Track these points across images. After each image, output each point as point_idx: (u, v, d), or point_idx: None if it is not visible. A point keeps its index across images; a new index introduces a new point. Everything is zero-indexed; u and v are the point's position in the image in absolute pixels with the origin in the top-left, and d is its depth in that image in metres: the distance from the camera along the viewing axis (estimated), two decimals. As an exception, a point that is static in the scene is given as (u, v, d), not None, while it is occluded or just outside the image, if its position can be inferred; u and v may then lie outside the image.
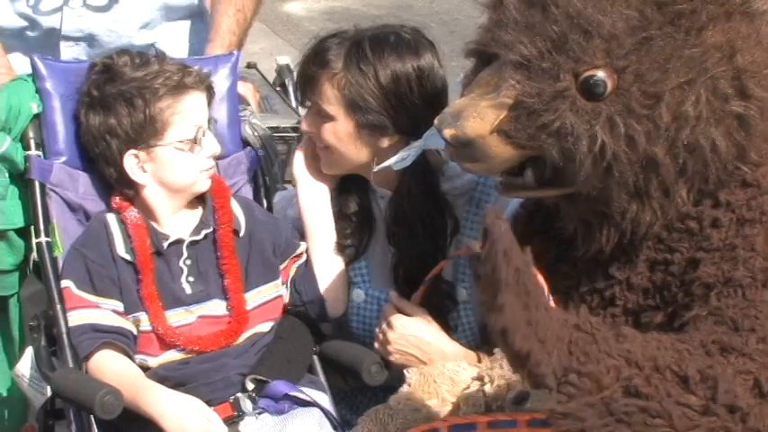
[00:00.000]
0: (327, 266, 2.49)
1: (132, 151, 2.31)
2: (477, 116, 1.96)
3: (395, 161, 2.30)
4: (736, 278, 1.96)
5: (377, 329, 2.36)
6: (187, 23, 2.94)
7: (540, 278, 2.02)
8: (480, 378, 2.08)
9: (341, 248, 2.49)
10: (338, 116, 2.37)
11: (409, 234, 2.41)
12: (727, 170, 1.99)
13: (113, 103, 2.31)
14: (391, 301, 2.37)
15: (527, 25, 1.93)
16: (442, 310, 2.41)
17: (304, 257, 2.49)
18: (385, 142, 2.35)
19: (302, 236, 2.51)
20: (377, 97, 2.32)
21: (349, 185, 2.52)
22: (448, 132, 1.97)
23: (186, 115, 2.34)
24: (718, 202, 2.03)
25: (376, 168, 2.36)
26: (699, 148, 1.94)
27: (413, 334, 2.31)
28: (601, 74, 1.90)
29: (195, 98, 2.36)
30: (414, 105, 2.33)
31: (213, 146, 2.37)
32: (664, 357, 1.82)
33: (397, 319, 2.33)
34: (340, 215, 2.50)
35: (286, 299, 2.45)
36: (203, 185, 2.38)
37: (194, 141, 2.34)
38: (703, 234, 2.03)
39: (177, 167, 2.34)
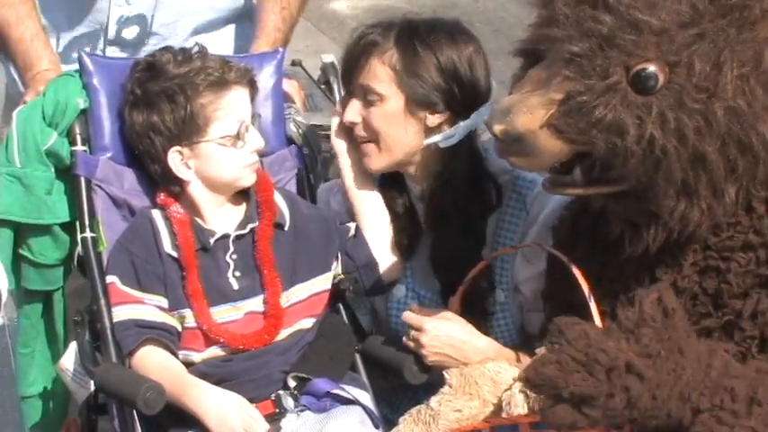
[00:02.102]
0: (379, 234, 2.49)
1: (176, 148, 2.32)
2: (528, 111, 1.96)
3: (442, 137, 2.31)
4: None
5: (404, 338, 2.35)
6: (232, 26, 2.94)
7: (580, 276, 2.09)
8: (522, 378, 2.06)
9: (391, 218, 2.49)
10: (388, 94, 2.38)
11: (446, 216, 2.40)
12: None
13: (156, 101, 2.33)
14: (411, 309, 2.38)
15: (577, 21, 1.93)
16: (480, 313, 2.40)
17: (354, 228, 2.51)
18: (434, 120, 2.34)
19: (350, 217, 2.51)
20: (428, 70, 2.32)
21: (391, 187, 2.51)
22: (498, 128, 1.98)
23: (228, 111, 2.35)
24: None
25: (425, 142, 2.35)
26: (751, 146, 1.93)
27: (445, 334, 2.31)
28: (652, 67, 1.90)
29: (237, 93, 2.37)
30: (462, 85, 2.33)
31: (257, 140, 2.37)
32: None
33: (427, 322, 2.33)
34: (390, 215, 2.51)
35: (338, 269, 2.46)
36: (248, 180, 2.38)
37: (237, 137, 2.35)
38: None
39: (221, 163, 2.35)
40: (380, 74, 2.38)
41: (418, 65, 2.33)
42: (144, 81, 2.36)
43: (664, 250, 2.05)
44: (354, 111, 2.44)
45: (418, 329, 2.32)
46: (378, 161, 2.46)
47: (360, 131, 2.43)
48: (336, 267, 2.46)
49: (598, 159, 1.97)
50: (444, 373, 2.22)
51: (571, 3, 1.95)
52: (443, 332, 2.30)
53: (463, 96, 2.34)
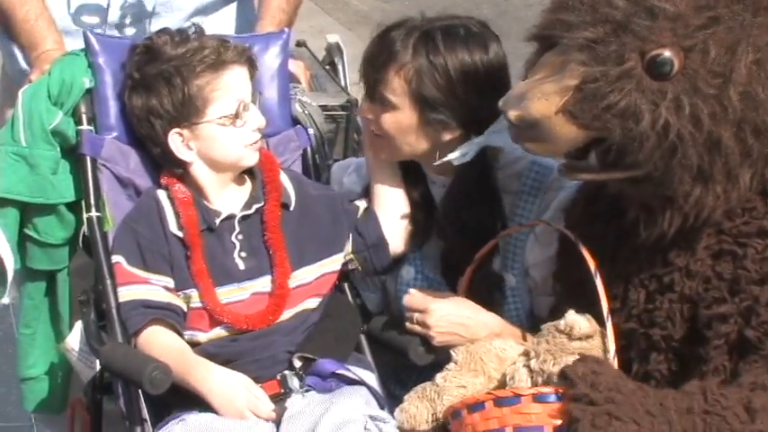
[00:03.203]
0: (393, 213, 2.48)
1: (176, 130, 2.32)
2: (542, 97, 1.97)
3: (455, 156, 2.30)
4: None
5: (407, 323, 2.35)
6: (234, 6, 2.92)
7: (587, 254, 2.11)
8: (526, 354, 2.11)
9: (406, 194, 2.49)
10: (402, 107, 2.36)
11: (458, 224, 2.40)
12: None
13: (154, 84, 2.33)
14: (410, 293, 2.39)
15: (592, 7, 1.94)
16: (490, 300, 2.40)
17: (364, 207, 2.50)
18: (446, 136, 2.33)
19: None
20: (444, 91, 2.30)
21: (410, 172, 2.51)
22: (513, 113, 1.99)
23: (226, 91, 2.35)
24: None
25: (436, 163, 2.34)
26: (766, 131, 1.94)
27: (451, 313, 2.32)
28: (667, 53, 1.91)
29: (235, 73, 2.36)
30: (479, 100, 2.30)
31: (258, 119, 2.36)
32: None
33: (431, 303, 2.34)
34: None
35: (348, 248, 2.45)
36: (250, 159, 2.38)
37: (236, 116, 2.34)
38: None
39: (222, 143, 2.35)
40: (396, 86, 2.37)
41: (433, 82, 2.30)
42: (142, 64, 2.36)
43: (677, 234, 2.05)
44: (371, 110, 2.44)
45: (423, 311, 2.31)
46: (386, 155, 2.47)
47: (372, 126, 2.43)
48: (348, 246, 2.46)
49: (613, 145, 1.97)
50: (451, 351, 2.24)
51: None
52: (448, 311, 2.31)
53: (475, 110, 2.31)
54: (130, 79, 2.38)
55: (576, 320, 2.08)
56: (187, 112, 2.33)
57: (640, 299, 2.13)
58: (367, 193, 2.53)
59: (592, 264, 2.11)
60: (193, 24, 2.47)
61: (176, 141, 2.33)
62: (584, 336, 2.08)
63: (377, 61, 2.40)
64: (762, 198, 2.04)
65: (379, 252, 2.48)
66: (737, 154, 1.96)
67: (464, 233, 2.41)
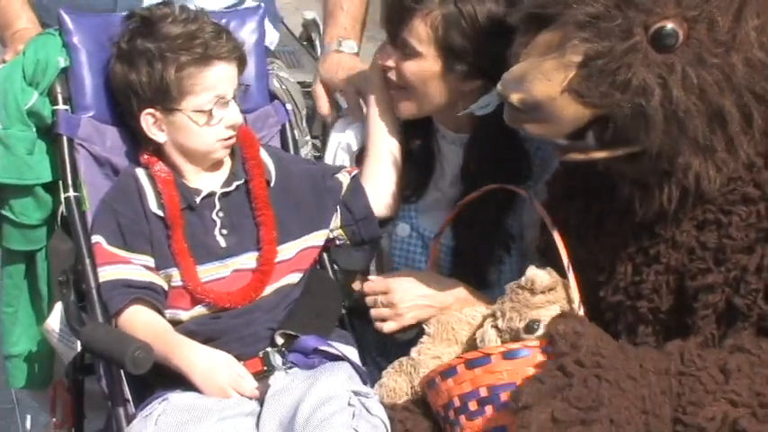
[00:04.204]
0: (388, 172, 2.49)
1: (149, 110, 2.32)
2: (543, 77, 1.95)
3: (477, 107, 2.28)
4: None
5: (373, 311, 2.36)
6: None
7: (561, 246, 2.12)
8: (493, 315, 2.14)
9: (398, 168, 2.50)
10: (427, 55, 2.37)
11: (484, 175, 2.38)
12: None
13: (137, 60, 2.32)
14: (369, 279, 2.41)
15: None
16: (490, 258, 2.42)
17: (348, 178, 2.49)
18: (467, 86, 2.32)
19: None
20: (470, 40, 2.30)
21: (414, 125, 2.51)
22: (516, 97, 1.96)
23: (206, 86, 2.33)
24: None
25: (460, 113, 2.34)
26: (766, 97, 1.94)
27: (413, 287, 2.34)
28: (671, 25, 1.90)
29: (220, 69, 2.34)
30: (504, 50, 2.28)
31: (234, 117, 2.34)
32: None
33: (392, 282, 2.35)
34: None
35: (336, 223, 2.45)
36: (219, 154, 2.37)
37: (210, 113, 2.33)
38: None
39: (192, 135, 2.35)
40: (422, 33, 2.36)
41: (459, 30, 2.29)
42: (133, 35, 2.35)
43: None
44: (392, 57, 2.43)
45: (385, 292, 2.31)
46: (406, 109, 2.46)
47: (393, 77, 2.43)
48: (336, 221, 2.46)
49: (618, 122, 1.95)
50: (423, 325, 2.27)
51: None
52: (410, 287, 2.33)
53: (502, 64, 2.28)
54: (117, 47, 2.36)
55: (536, 274, 2.10)
56: (162, 98, 2.33)
57: (627, 271, 2.14)
58: (359, 158, 2.52)
59: (547, 218, 2.13)
60: (195, 6, 2.44)
61: (148, 121, 2.32)
62: (546, 288, 2.10)
63: (402, 7, 2.39)
64: (746, 167, 2.04)
65: (368, 225, 2.48)
66: (738, 123, 1.96)
67: (488, 183, 2.38)
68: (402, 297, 2.34)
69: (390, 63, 2.45)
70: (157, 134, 2.33)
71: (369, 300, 2.39)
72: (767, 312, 2.04)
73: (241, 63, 2.38)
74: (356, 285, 2.51)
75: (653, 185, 2.03)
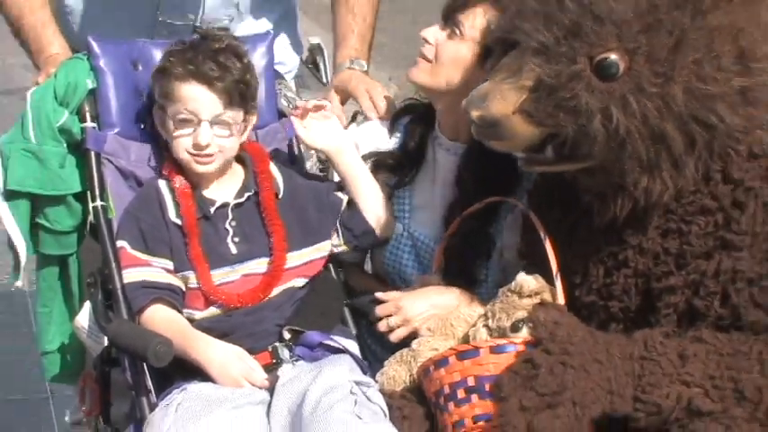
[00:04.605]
0: (375, 197, 2.50)
1: (158, 104, 2.38)
2: (501, 98, 2.01)
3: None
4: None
5: (391, 336, 2.34)
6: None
7: (537, 222, 2.15)
8: (485, 315, 2.17)
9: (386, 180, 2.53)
10: (469, 41, 2.38)
11: (478, 184, 2.40)
12: (733, 141, 2.01)
13: (162, 63, 2.39)
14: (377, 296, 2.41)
15: (544, 15, 1.98)
16: (474, 260, 2.43)
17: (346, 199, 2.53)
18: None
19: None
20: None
21: (416, 126, 2.55)
22: (475, 113, 2.03)
23: (180, 99, 2.35)
24: (729, 178, 2.06)
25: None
26: (709, 124, 1.97)
27: (421, 302, 2.34)
28: (613, 56, 1.94)
29: (194, 88, 2.34)
30: None
31: (199, 137, 2.33)
32: (721, 376, 1.98)
33: (400, 301, 2.36)
34: (399, 147, 2.57)
35: (338, 240, 2.48)
36: (196, 167, 2.37)
37: (177, 123, 2.35)
38: (726, 213, 2.06)
39: (171, 140, 2.38)
40: (478, 20, 2.37)
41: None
42: (169, 52, 2.40)
43: (630, 215, 2.09)
44: (434, 34, 2.44)
45: (396, 312, 2.36)
46: (420, 74, 2.46)
47: (426, 51, 2.44)
48: (339, 239, 2.50)
49: (567, 139, 2.01)
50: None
51: None
52: (418, 302, 2.35)
53: None
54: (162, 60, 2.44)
55: (524, 280, 2.14)
56: (162, 98, 2.38)
57: (599, 274, 2.17)
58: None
59: (541, 229, 2.15)
60: (223, 28, 2.50)
61: (157, 115, 2.39)
62: (533, 292, 2.14)
63: None
64: (705, 181, 2.07)
65: (368, 237, 2.52)
66: (682, 145, 1.99)
67: (477, 195, 2.40)
68: (413, 312, 2.36)
69: (431, 38, 2.46)
70: (162, 131, 2.40)
71: (381, 324, 2.38)
72: (724, 314, 2.07)
73: (224, 92, 2.34)
74: (355, 281, 2.53)
75: (608, 196, 2.07)
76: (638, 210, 2.08)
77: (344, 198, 2.53)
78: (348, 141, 2.56)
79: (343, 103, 2.74)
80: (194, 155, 2.38)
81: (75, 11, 2.82)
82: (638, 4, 1.95)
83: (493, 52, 2.14)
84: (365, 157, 2.59)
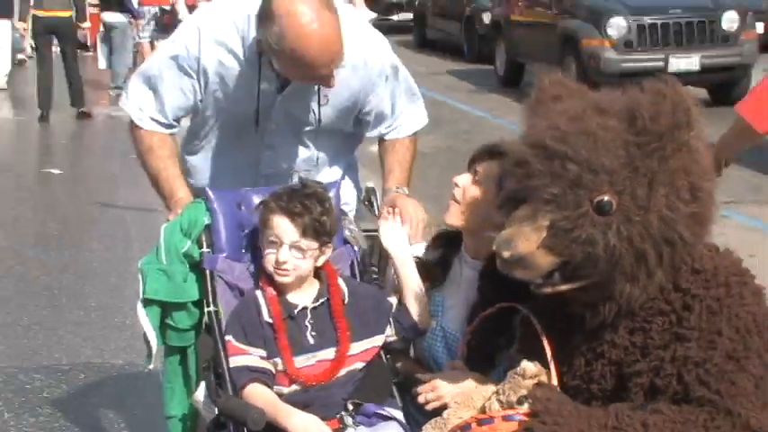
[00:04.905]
0: (419, 300, 2.60)
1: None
2: (525, 238, 2.06)
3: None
4: (714, 358, 2.06)
5: (420, 398, 2.40)
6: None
7: (547, 346, 2.20)
8: (497, 391, 2.25)
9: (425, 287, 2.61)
10: (487, 187, 2.48)
11: (495, 293, 2.43)
12: (686, 255, 2.09)
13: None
14: (418, 390, 2.44)
15: (550, 173, 2.05)
16: (490, 349, 2.48)
17: (396, 300, 2.59)
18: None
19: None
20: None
21: (443, 247, 2.66)
22: (506, 254, 2.07)
23: (271, 226, 2.48)
24: (678, 288, 2.12)
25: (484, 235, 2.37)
26: (675, 242, 2.05)
27: (450, 384, 2.41)
28: (607, 197, 2.03)
29: (277, 219, 2.48)
30: None
31: (280, 257, 2.46)
32: None
33: (436, 382, 2.42)
34: (424, 260, 2.66)
35: (390, 331, 2.57)
36: (276, 278, 2.48)
37: (266, 245, 2.48)
38: (678, 314, 2.10)
39: (264, 255, 2.51)
40: (493, 171, 2.46)
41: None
42: (273, 193, 2.56)
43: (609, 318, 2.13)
44: (463, 180, 2.54)
45: (432, 388, 2.43)
46: (453, 219, 2.57)
47: (455, 192, 2.54)
48: (391, 330, 2.58)
49: (574, 264, 2.05)
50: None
51: (542, 161, 2.06)
52: (448, 384, 2.43)
53: None
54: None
55: (527, 365, 2.19)
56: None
57: (581, 364, 2.20)
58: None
59: (540, 329, 2.24)
60: (306, 180, 2.63)
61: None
62: (533, 375, 2.18)
63: (489, 148, 2.51)
64: (659, 290, 2.12)
65: (413, 331, 2.62)
66: (655, 259, 2.05)
67: (492, 301, 2.43)
68: (444, 390, 2.40)
69: (459, 182, 2.54)
70: (261, 249, 2.48)
71: (420, 398, 2.44)
72: (678, 390, 2.09)
73: (303, 226, 2.46)
74: (401, 365, 2.61)
75: (598, 305, 2.11)
76: (618, 314, 2.11)
77: (395, 301, 2.59)
78: (410, 256, 2.64)
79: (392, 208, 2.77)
80: (276, 268, 2.47)
81: (196, 167, 3.01)
82: (619, 157, 2.02)
83: (505, 205, 2.16)
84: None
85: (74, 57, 10.98)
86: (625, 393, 2.15)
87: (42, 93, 10.43)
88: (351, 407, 2.48)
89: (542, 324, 2.25)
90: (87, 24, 11.60)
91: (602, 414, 2.10)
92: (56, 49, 11.03)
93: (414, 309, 2.60)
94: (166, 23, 12.16)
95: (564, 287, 2.10)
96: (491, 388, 2.30)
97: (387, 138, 2.97)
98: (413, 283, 2.63)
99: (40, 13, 10.49)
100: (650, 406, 2.10)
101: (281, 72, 2.68)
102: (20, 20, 11.73)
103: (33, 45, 14.38)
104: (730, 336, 2.08)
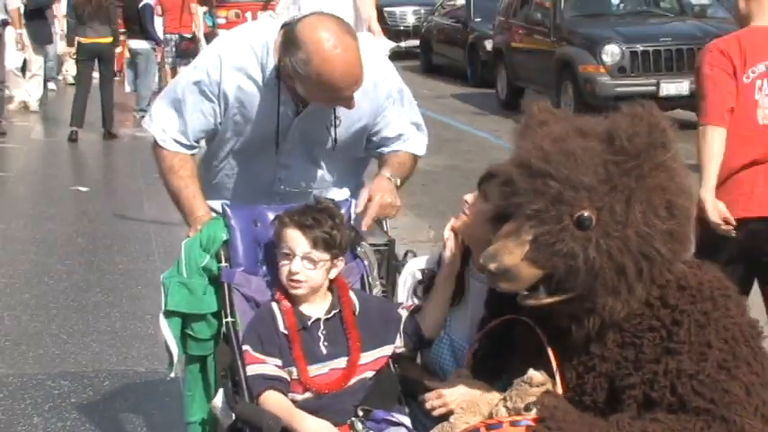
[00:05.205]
0: (441, 312, 2.59)
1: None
2: (509, 253, 2.08)
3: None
4: (706, 368, 2.06)
5: (427, 404, 2.40)
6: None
7: (553, 358, 2.20)
8: (504, 398, 2.26)
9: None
10: (489, 204, 2.41)
11: (502, 305, 2.41)
12: (665, 270, 2.10)
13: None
14: (426, 398, 2.43)
15: (533, 190, 2.07)
16: (495, 359, 2.46)
17: (407, 313, 2.58)
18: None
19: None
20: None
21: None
22: (492, 266, 2.09)
23: (285, 239, 2.49)
24: (667, 304, 2.12)
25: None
26: (652, 257, 2.06)
27: (456, 392, 2.41)
28: (587, 213, 2.04)
29: (289, 231, 2.50)
30: None
31: (292, 268, 2.46)
32: None
33: (442, 390, 2.41)
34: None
35: (399, 342, 2.56)
36: (292, 290, 2.48)
37: (280, 257, 2.49)
38: (668, 329, 2.10)
39: (279, 267, 2.52)
40: (493, 192, 2.36)
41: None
42: (287, 210, 2.56)
43: (594, 333, 2.16)
44: (474, 198, 2.56)
45: (439, 398, 2.43)
46: (460, 226, 2.57)
47: (465, 207, 2.57)
48: (400, 342, 2.58)
49: (557, 277, 2.06)
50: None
51: (526, 179, 2.08)
52: (454, 392, 2.43)
53: None
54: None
55: (533, 374, 2.20)
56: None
57: (573, 377, 2.21)
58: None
59: (545, 340, 2.23)
60: (319, 200, 2.63)
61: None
62: (539, 383, 2.19)
63: (489, 173, 2.51)
64: (647, 307, 2.13)
65: (420, 342, 2.62)
66: (634, 273, 2.05)
67: (498, 313, 2.42)
68: (450, 397, 2.40)
69: (469, 199, 2.56)
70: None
71: (427, 404, 2.43)
72: (673, 401, 2.08)
73: (314, 238, 2.46)
74: (407, 370, 2.60)
75: (582, 318, 2.12)
76: (602, 327, 2.12)
77: (404, 314, 2.59)
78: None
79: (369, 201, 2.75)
80: (289, 280, 2.48)
81: (214, 187, 2.96)
82: (598, 175, 2.03)
83: (493, 221, 2.19)
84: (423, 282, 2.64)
85: (111, 80, 11.31)
86: (618, 405, 2.15)
87: (76, 112, 10.66)
88: (361, 413, 2.48)
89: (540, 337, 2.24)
90: (119, 49, 11.68)
91: (604, 423, 2.11)
92: (94, 73, 11.20)
93: (432, 320, 2.60)
94: (184, 49, 12.25)
95: (548, 300, 2.11)
96: (497, 395, 2.30)
97: (388, 151, 2.96)
98: (442, 298, 2.63)
99: (85, 40, 10.78)
100: (648, 416, 2.10)
101: (305, 96, 2.70)
102: (68, 45, 11.93)
103: (66, 70, 14.61)
104: (720, 347, 2.09)
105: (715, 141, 3.32)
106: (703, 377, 2.06)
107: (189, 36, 12.61)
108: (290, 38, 2.60)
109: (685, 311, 2.11)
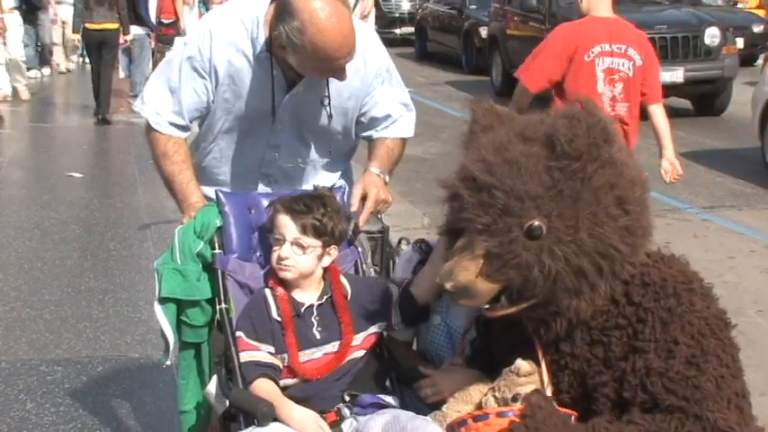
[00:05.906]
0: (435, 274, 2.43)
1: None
2: (464, 269, 2.08)
3: None
4: (675, 366, 2.06)
5: (421, 392, 2.44)
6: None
7: (540, 353, 2.20)
8: (493, 388, 2.29)
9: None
10: None
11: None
12: (627, 264, 2.09)
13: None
14: (421, 384, 2.47)
15: (480, 204, 2.06)
16: (487, 347, 2.45)
17: (398, 289, 2.57)
18: None
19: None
20: None
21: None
22: (449, 285, 2.09)
23: (277, 224, 2.51)
24: (632, 302, 2.12)
25: None
26: (610, 255, 2.07)
27: (449, 380, 2.44)
28: (537, 222, 2.04)
29: (279, 216, 2.51)
30: None
31: (281, 252, 2.48)
32: None
33: (435, 378, 2.46)
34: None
35: (394, 320, 2.55)
36: (280, 273, 2.49)
37: (273, 242, 2.51)
38: (633, 327, 2.11)
39: (272, 252, 2.53)
40: None
41: None
42: (281, 197, 2.58)
43: (564, 332, 2.17)
44: None
45: (432, 386, 2.47)
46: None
47: None
48: (395, 317, 2.56)
49: (516, 288, 2.07)
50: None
51: (472, 193, 2.08)
52: (447, 380, 2.47)
53: None
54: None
55: (521, 364, 2.22)
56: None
57: (549, 376, 2.22)
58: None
59: (544, 365, 2.24)
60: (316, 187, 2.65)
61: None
62: (527, 373, 2.21)
63: None
64: (613, 304, 2.14)
65: (415, 320, 2.62)
66: (594, 273, 2.05)
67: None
68: (444, 386, 2.44)
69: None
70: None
71: (421, 392, 2.47)
72: (646, 399, 2.08)
73: (304, 224, 2.48)
74: (403, 355, 2.61)
75: (549, 321, 2.13)
76: (571, 326, 2.13)
77: (395, 291, 2.58)
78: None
79: (363, 198, 2.77)
80: (278, 264, 2.50)
81: (203, 170, 2.95)
82: (543, 182, 2.03)
83: (447, 238, 2.18)
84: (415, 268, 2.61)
85: (112, 66, 11.27)
86: (594, 404, 2.16)
87: (100, 97, 10.67)
88: (347, 398, 2.49)
89: (512, 336, 2.26)
90: (130, 36, 11.66)
91: (583, 427, 2.13)
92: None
93: (427, 283, 2.55)
94: (163, 34, 12.22)
95: (511, 309, 2.11)
96: (487, 384, 2.33)
97: (377, 136, 2.95)
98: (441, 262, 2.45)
99: (91, 26, 10.75)
100: (625, 417, 2.10)
101: (298, 66, 2.66)
102: (73, 32, 11.91)
103: (67, 56, 14.53)
104: (687, 342, 2.08)
105: None
106: (673, 374, 2.06)
107: (167, 22, 12.56)
108: (284, 7, 2.58)
109: (649, 309, 2.11)
